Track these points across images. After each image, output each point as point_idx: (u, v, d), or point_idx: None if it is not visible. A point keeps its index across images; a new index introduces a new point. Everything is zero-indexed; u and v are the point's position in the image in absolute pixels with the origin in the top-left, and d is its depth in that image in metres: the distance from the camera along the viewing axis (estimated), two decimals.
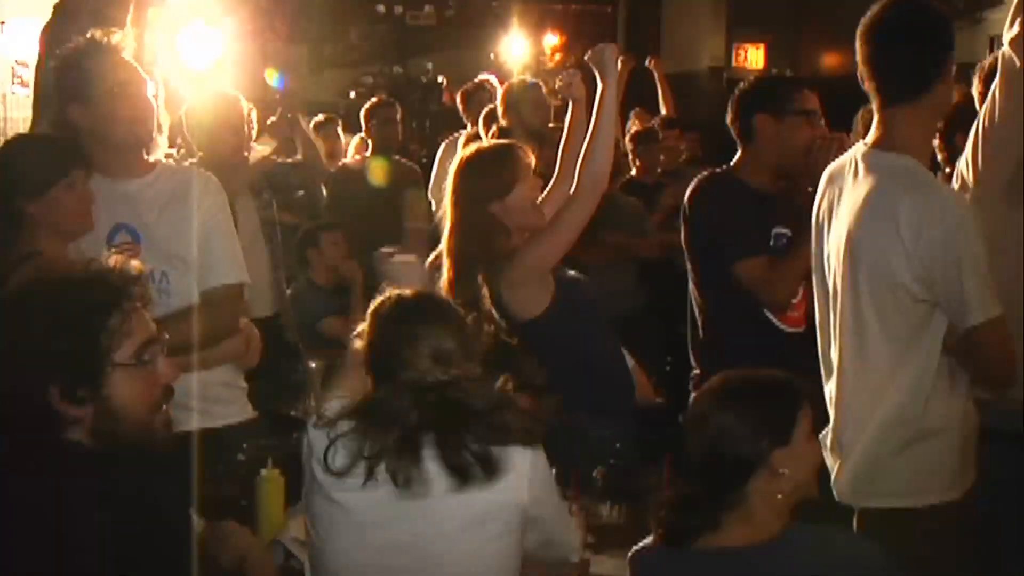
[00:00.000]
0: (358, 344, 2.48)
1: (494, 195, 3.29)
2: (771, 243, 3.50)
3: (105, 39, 3.11)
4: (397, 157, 6.48)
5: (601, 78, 3.32)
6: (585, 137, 3.33)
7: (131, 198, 3.13)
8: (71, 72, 3.09)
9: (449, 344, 2.41)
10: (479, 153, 3.39)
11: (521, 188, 3.31)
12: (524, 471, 2.37)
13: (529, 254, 3.26)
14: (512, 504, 2.37)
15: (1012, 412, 2.96)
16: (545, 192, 3.57)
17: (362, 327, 2.49)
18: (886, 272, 2.66)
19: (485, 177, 3.32)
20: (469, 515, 2.34)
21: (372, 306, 2.51)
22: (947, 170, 4.20)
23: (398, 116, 6.52)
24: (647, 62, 8.33)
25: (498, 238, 3.28)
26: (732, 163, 3.68)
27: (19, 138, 3.63)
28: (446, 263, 3.32)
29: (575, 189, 3.28)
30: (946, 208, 2.61)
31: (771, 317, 3.49)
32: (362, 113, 6.56)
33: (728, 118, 3.64)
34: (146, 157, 3.20)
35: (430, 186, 6.13)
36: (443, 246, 3.35)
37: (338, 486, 2.36)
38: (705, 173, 3.75)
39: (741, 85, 3.70)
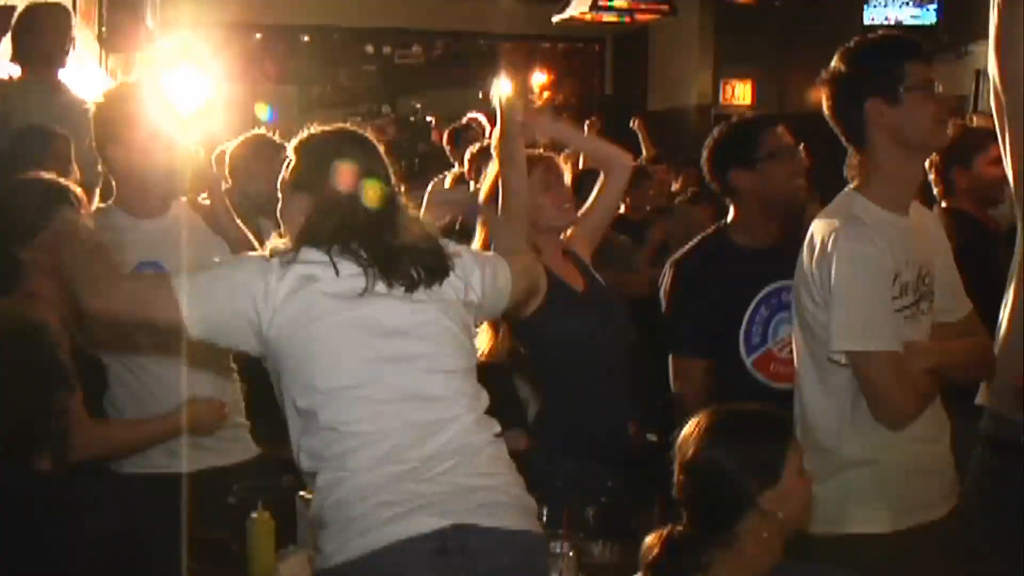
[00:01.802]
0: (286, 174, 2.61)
1: None
2: (757, 303, 3.35)
3: (149, 83, 3.24)
4: None
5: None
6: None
7: (155, 235, 3.23)
8: (112, 114, 3.19)
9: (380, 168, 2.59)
10: None
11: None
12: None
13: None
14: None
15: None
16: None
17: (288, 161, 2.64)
18: (799, 296, 2.80)
19: None
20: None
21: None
22: (943, 204, 4.18)
23: None
24: (631, 123, 8.53)
25: None
26: (728, 220, 3.50)
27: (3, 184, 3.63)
28: None
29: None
30: (838, 237, 2.68)
31: (757, 375, 3.36)
32: None
33: (707, 179, 3.50)
34: None
35: None
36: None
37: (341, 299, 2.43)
38: (698, 238, 3.59)
39: (707, 142, 3.48)
